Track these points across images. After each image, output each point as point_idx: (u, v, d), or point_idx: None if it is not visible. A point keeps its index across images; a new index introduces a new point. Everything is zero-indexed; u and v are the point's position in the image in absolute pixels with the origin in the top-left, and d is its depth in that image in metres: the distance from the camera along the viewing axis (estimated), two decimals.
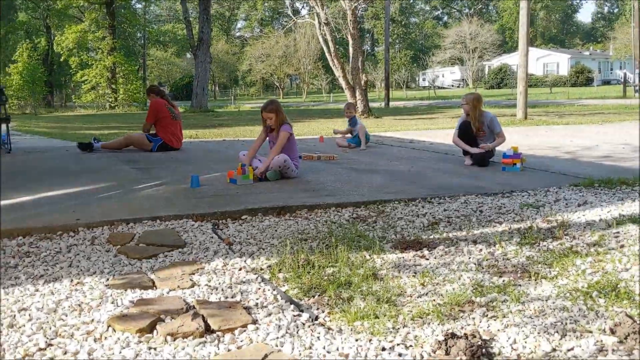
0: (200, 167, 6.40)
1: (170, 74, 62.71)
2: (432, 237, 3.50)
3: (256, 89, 68.82)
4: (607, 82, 55.82)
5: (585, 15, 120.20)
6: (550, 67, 60.05)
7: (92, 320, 2.28)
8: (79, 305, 2.45)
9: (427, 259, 3.06)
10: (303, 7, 54.37)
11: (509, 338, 2.06)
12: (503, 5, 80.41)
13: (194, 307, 2.40)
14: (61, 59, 41.05)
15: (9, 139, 8.35)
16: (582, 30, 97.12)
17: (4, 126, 8.45)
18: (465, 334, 2.04)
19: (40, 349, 2.03)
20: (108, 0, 36.97)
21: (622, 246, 3.12)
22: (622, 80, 36.24)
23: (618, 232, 3.39)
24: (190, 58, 44.19)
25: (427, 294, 2.54)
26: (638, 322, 2.10)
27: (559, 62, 60.27)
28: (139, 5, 50.49)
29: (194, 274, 2.89)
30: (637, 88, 31.35)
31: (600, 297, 2.40)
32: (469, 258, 3.05)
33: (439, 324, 2.21)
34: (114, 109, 35.61)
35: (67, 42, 37.75)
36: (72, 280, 2.77)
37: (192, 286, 2.70)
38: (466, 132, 6.52)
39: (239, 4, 76.54)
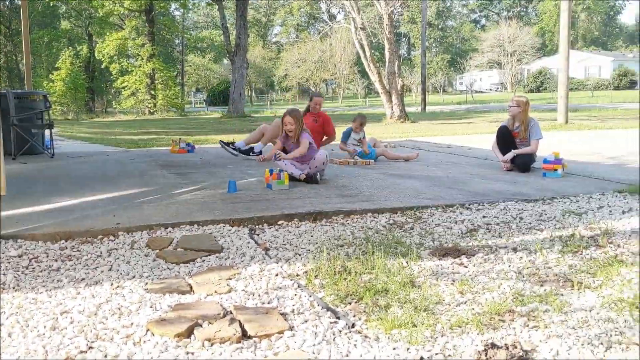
0: (236, 172, 6.45)
1: (208, 79, 63.59)
2: (470, 244, 3.44)
3: (292, 94, 69.14)
4: None
5: (628, 16, 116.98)
6: (591, 70, 58.68)
7: (132, 323, 2.32)
8: (119, 308, 2.49)
9: (466, 267, 3.01)
10: (339, 12, 54.54)
11: (551, 349, 2.01)
12: (543, 8, 78.96)
13: (231, 313, 2.41)
14: (102, 66, 42.11)
15: (52, 144, 8.59)
16: (625, 32, 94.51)
17: (47, 132, 8.70)
18: (505, 344, 2.00)
19: (81, 352, 2.07)
20: (148, 7, 37.75)
21: None
22: None
23: None
24: (227, 64, 44.81)
25: (465, 303, 2.50)
26: None
27: (601, 65, 58.86)
28: (177, 13, 51.43)
29: (230, 279, 2.90)
30: None
31: None
32: (509, 266, 2.99)
33: (478, 334, 2.16)
34: (152, 114, 36.29)
35: (108, 49, 38.73)
36: (112, 284, 2.82)
37: (229, 291, 2.71)
38: (504, 138, 6.43)
39: (275, 9, 77.24)
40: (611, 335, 2.10)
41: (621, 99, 33.23)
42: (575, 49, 61.11)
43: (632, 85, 51.31)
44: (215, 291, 2.71)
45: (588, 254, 3.12)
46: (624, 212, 4.09)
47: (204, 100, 58.89)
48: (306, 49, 58.06)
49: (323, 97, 8.47)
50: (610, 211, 4.16)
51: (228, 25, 30.29)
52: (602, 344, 2.03)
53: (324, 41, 56.51)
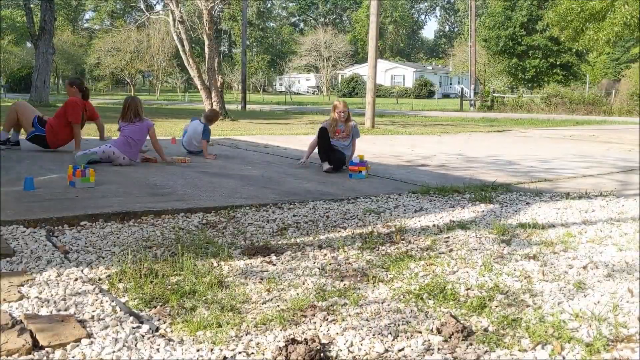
0: (35, 168, 5.92)
1: (7, 63, 57.28)
2: (280, 242, 3.55)
3: (105, 84, 65.01)
4: (446, 96, 60.81)
5: (429, 32, 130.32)
6: (397, 79, 64.02)
7: None
8: None
9: (274, 265, 3.11)
10: (157, 2, 52.60)
11: (346, 341, 2.16)
12: (356, 17, 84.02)
13: (21, 322, 2.22)
14: None
15: None
16: (426, 45, 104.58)
17: None
18: (305, 339, 2.10)
19: None
20: None
21: (450, 250, 3.40)
22: (460, 94, 39.61)
23: (448, 237, 3.69)
24: (31, 48, 40.78)
25: (272, 300, 2.58)
26: (461, 322, 2.30)
27: (405, 74, 64.45)
28: None
29: (22, 285, 2.67)
30: (472, 102, 34.43)
31: (429, 299, 2.60)
32: (314, 263, 3.15)
33: (281, 330, 2.25)
34: None
35: None
36: None
37: (21, 299, 2.49)
38: (325, 138, 6.72)
39: None
40: (399, 325, 2.32)
41: (421, 107, 36.68)
42: (383, 59, 66.05)
43: (430, 94, 56.93)
44: (4, 299, 2.47)
45: (384, 250, 3.40)
46: (415, 211, 4.53)
47: (2, 86, 53.00)
48: (121, 38, 54.92)
49: (72, 81, 7.92)
50: (405, 210, 4.58)
51: (32, 5, 27.60)
52: (390, 333, 2.24)
53: (141, 31, 53.98)
